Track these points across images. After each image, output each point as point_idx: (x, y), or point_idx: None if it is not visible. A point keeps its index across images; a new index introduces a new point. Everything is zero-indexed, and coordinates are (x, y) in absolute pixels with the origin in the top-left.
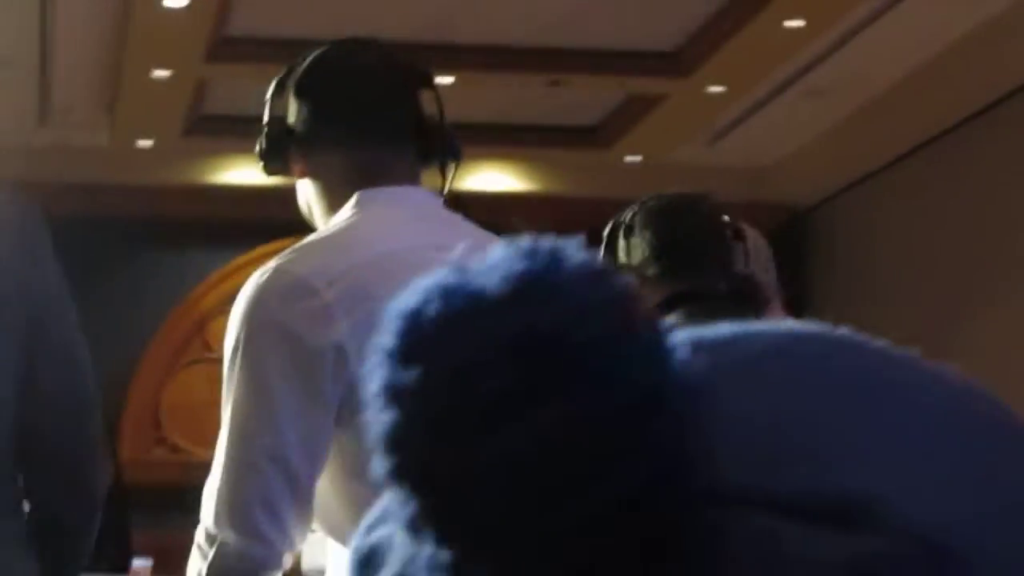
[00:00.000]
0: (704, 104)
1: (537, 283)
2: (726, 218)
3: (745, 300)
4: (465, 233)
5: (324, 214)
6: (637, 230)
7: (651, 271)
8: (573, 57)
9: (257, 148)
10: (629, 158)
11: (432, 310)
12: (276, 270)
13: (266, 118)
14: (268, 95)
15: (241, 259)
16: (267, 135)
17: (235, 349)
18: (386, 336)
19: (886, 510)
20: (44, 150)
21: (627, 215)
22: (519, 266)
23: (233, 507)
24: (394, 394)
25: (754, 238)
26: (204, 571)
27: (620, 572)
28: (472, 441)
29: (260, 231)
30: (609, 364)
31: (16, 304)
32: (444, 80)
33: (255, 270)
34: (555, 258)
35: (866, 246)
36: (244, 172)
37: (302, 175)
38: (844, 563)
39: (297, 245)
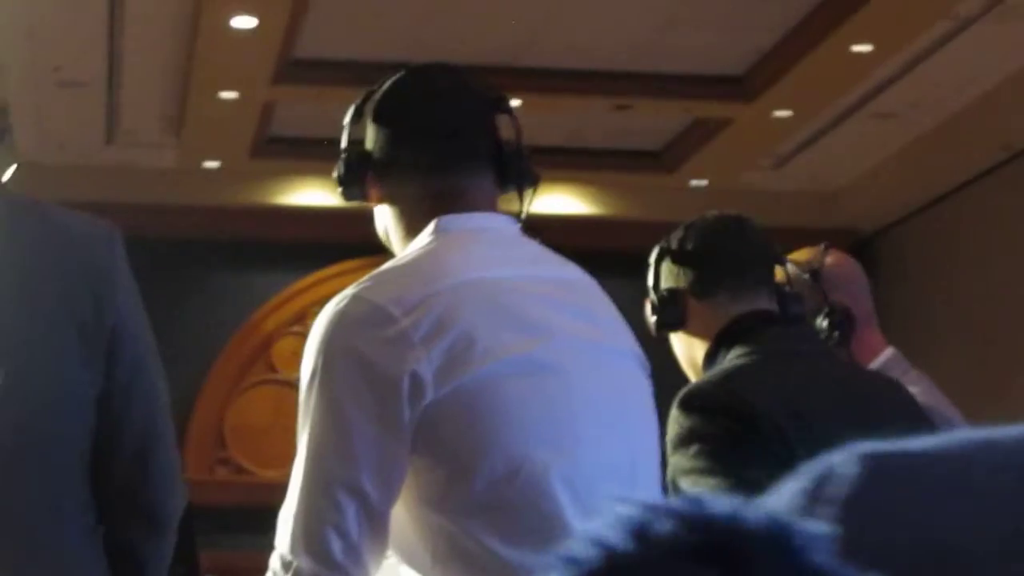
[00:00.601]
0: (770, 128)
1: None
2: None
3: (801, 321)
4: (543, 261)
5: (402, 239)
6: (686, 253)
7: (704, 294)
8: (639, 81)
9: (335, 174)
10: (694, 182)
11: None
12: (354, 297)
13: (344, 144)
14: (346, 121)
15: (307, 280)
16: (345, 161)
17: (312, 376)
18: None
19: None
20: (111, 170)
21: (673, 239)
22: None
23: (309, 535)
24: None
25: (842, 262)
26: None
27: None
28: None
29: (326, 252)
30: None
31: (93, 328)
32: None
33: (321, 290)
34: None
35: (933, 271)
36: (310, 193)
37: (380, 201)
38: None
39: (375, 272)
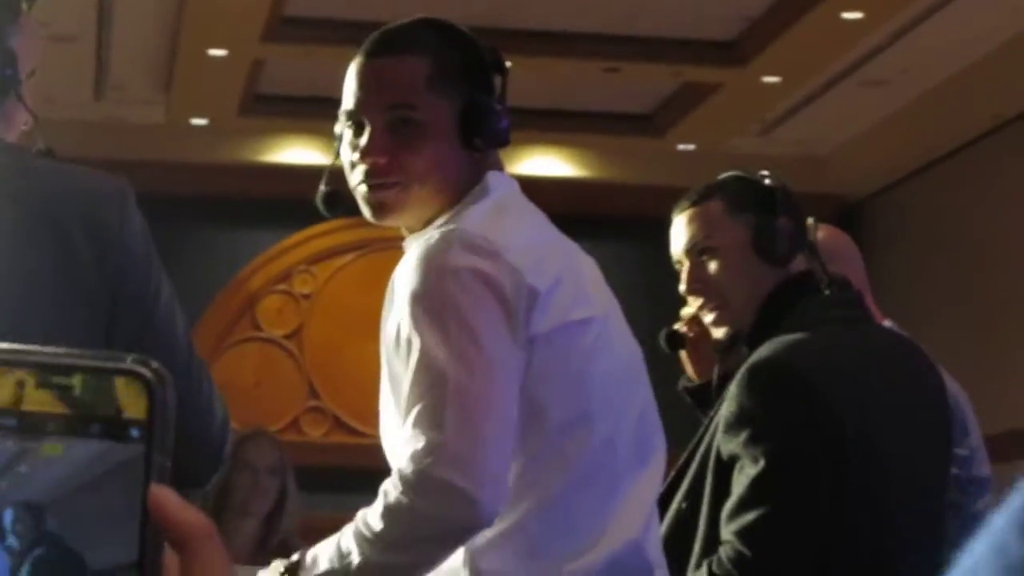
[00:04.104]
0: (759, 94)
1: None
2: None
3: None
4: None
5: (448, 194)
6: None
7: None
8: (629, 44)
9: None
10: (682, 146)
11: None
12: (457, 230)
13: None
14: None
15: (293, 238)
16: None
17: (425, 298)
18: None
19: None
20: (99, 125)
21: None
22: None
23: (466, 456)
24: None
25: (835, 235)
26: (422, 507)
27: None
28: None
29: (313, 211)
30: None
31: (96, 289)
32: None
33: (307, 249)
34: None
35: (921, 238)
36: (298, 151)
37: (431, 158)
38: None
39: (456, 218)
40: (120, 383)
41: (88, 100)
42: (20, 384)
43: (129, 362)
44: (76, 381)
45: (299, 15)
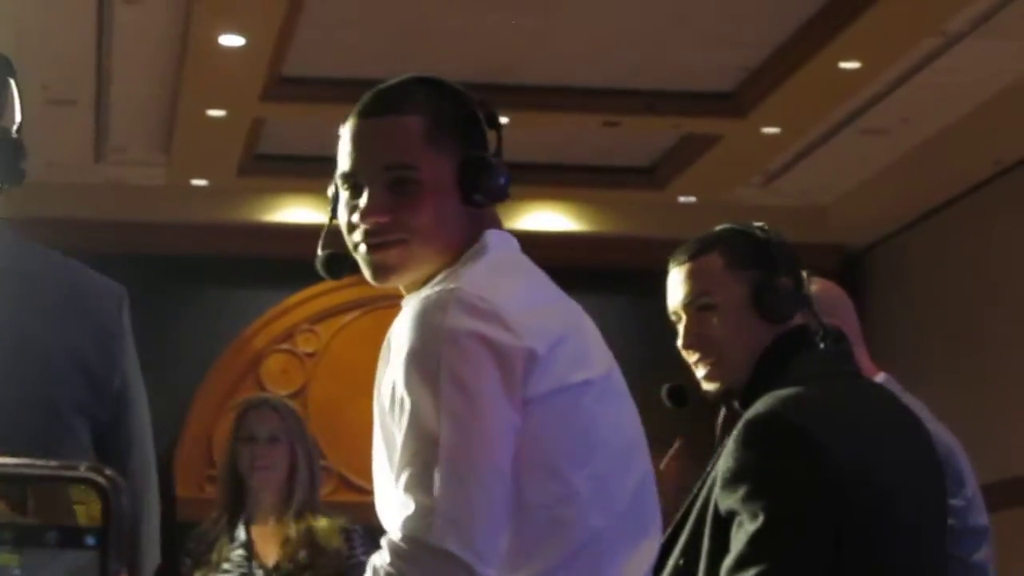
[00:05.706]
0: (759, 145)
1: None
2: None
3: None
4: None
5: (444, 250)
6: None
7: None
8: (629, 98)
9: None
10: (683, 199)
11: None
12: (457, 290)
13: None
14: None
15: (295, 297)
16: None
17: (426, 361)
18: None
19: None
20: (100, 187)
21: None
22: None
23: (459, 522)
24: None
25: (829, 288)
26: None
27: None
28: None
29: (314, 270)
30: None
31: (103, 384)
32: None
33: (310, 308)
34: None
35: (923, 287)
36: (298, 211)
37: (435, 215)
38: None
39: (457, 277)
40: (75, 491)
41: (88, 163)
42: None
43: (83, 470)
44: (31, 491)
45: (298, 74)
